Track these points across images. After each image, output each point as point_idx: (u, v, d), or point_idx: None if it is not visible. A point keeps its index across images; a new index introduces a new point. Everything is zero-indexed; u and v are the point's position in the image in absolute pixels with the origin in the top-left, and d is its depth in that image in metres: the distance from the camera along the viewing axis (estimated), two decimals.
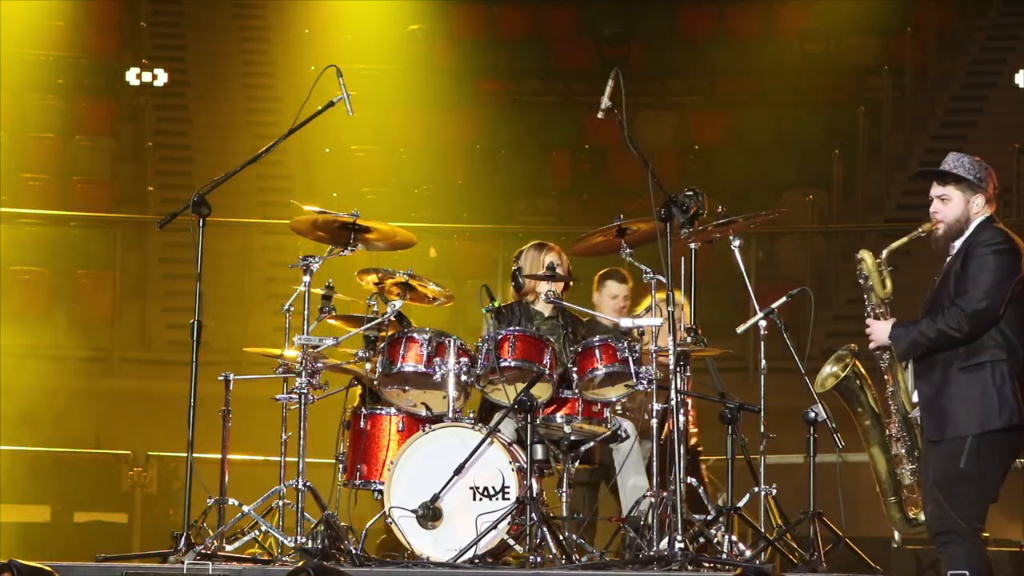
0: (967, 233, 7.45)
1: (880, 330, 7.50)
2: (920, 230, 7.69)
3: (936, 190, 7.53)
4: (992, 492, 7.33)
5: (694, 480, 9.21)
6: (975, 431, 7.21)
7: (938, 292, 7.45)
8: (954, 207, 7.48)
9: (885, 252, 7.74)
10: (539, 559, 8.39)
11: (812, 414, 8.83)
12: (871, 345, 7.61)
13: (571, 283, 9.52)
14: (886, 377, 7.66)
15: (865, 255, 7.73)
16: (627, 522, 8.85)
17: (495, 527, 8.50)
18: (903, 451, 7.67)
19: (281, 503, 8.95)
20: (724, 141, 20.73)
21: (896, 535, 12.18)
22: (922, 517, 7.68)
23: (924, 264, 8.22)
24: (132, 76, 20.79)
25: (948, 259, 7.52)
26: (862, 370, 8.10)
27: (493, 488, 8.66)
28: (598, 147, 20.38)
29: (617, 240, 9.02)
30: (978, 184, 7.44)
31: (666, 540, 8.41)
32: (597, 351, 8.92)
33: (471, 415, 9.00)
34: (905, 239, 7.78)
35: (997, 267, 7.27)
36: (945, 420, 7.31)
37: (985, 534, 7.75)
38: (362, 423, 9.08)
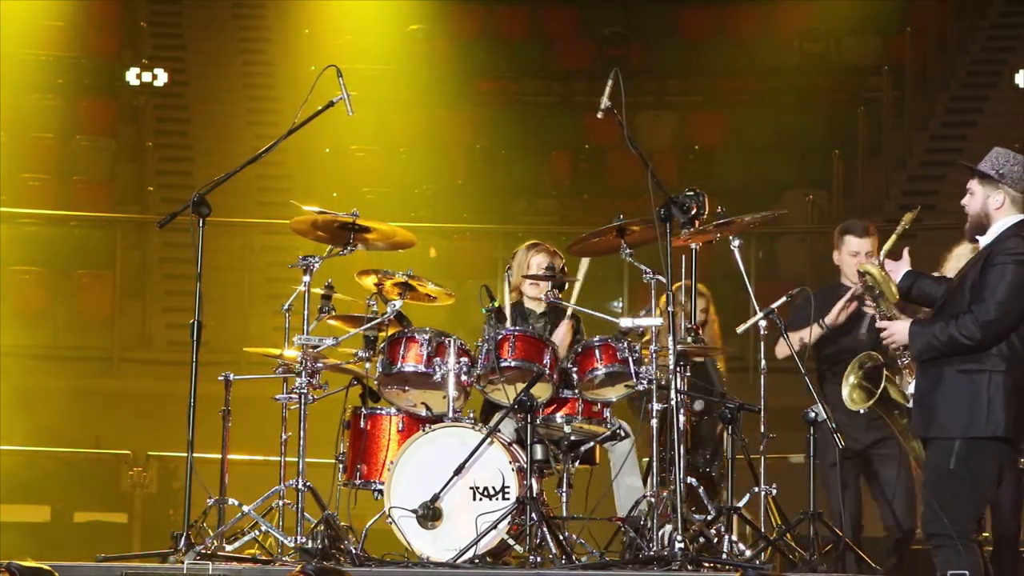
0: (992, 235, 7.39)
1: (899, 329, 7.46)
2: (903, 222, 7.68)
3: (969, 183, 7.51)
4: (986, 494, 7.31)
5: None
6: (959, 435, 7.20)
7: (954, 294, 7.40)
8: (975, 201, 7.42)
9: (883, 255, 7.72)
10: (539, 559, 8.39)
11: (812, 414, 8.82)
12: (892, 346, 7.59)
13: (565, 283, 9.50)
14: (906, 372, 7.66)
15: (870, 268, 7.71)
16: (627, 522, 8.85)
17: (495, 527, 8.50)
18: None
19: (281, 503, 8.95)
20: (724, 141, 20.73)
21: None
22: None
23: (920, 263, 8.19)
24: (132, 76, 20.79)
25: (973, 259, 7.46)
26: (886, 372, 8.07)
27: (493, 488, 8.66)
28: (598, 147, 20.38)
29: (617, 240, 9.03)
30: (998, 180, 7.37)
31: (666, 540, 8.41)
32: (597, 351, 8.92)
33: (471, 415, 9.01)
34: (894, 237, 7.78)
35: (1015, 279, 7.22)
36: (931, 418, 7.31)
37: (985, 534, 7.75)
38: (362, 423, 9.08)
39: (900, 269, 7.66)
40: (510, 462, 8.68)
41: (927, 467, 7.37)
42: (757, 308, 9.07)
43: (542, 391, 8.87)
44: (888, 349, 7.75)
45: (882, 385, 7.91)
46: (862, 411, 8.25)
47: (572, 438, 9.00)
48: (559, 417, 8.95)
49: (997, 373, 7.19)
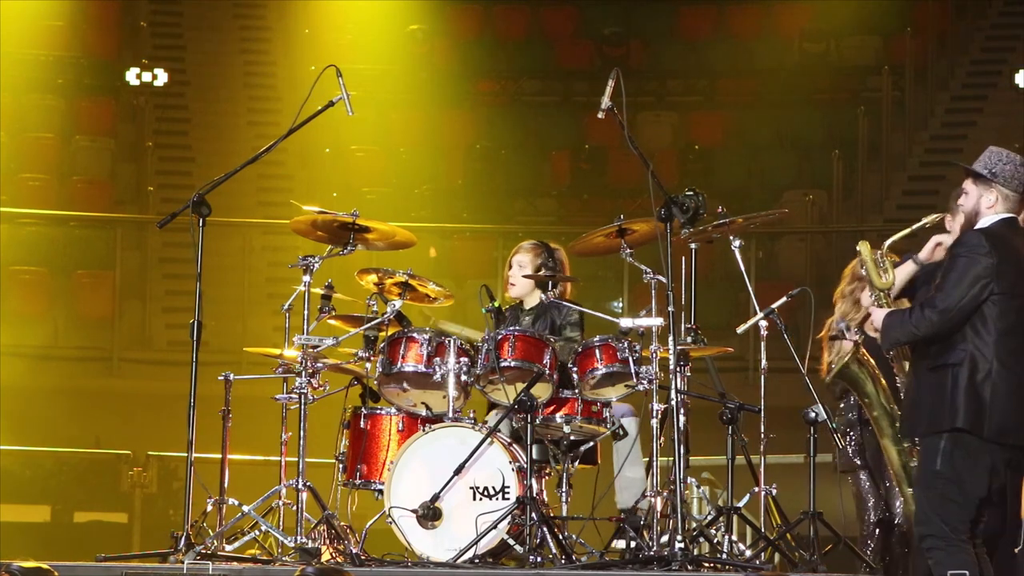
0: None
1: (876, 318, 7.49)
2: (924, 221, 7.64)
3: (964, 183, 7.52)
4: (977, 493, 7.27)
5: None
6: (929, 431, 7.22)
7: (928, 287, 7.44)
8: (969, 200, 7.42)
9: (886, 244, 7.69)
10: (539, 559, 8.39)
11: (812, 414, 8.82)
12: (873, 333, 7.58)
13: (552, 283, 9.49)
14: (895, 366, 7.65)
15: (862, 247, 7.67)
16: (627, 521, 8.85)
17: (495, 527, 8.50)
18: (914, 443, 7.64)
19: (281, 503, 8.95)
20: (724, 141, 20.73)
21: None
22: None
23: None
24: (132, 76, 20.80)
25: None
26: (869, 359, 8.06)
27: (493, 488, 8.66)
28: (598, 147, 20.39)
29: (617, 240, 9.03)
30: (991, 179, 7.38)
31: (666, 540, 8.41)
32: (597, 351, 8.92)
33: (471, 415, 9.01)
34: (907, 230, 7.72)
35: (964, 272, 7.21)
36: (908, 417, 7.39)
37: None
38: (362, 423, 9.07)
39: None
40: (510, 462, 8.68)
41: (917, 467, 7.37)
42: (757, 308, 9.07)
43: (542, 391, 8.87)
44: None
45: (845, 359, 7.88)
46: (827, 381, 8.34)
47: (572, 438, 9.00)
48: (559, 417, 8.95)
49: (958, 366, 7.21)
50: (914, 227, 7.85)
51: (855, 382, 7.99)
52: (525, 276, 9.46)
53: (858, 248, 7.69)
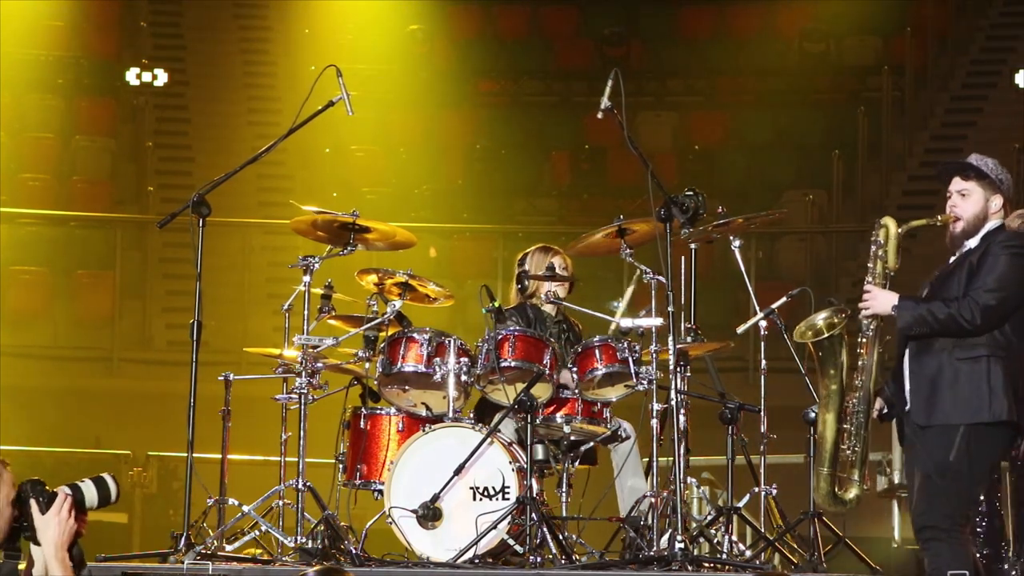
0: (984, 231, 7.38)
1: (882, 298, 7.38)
2: (939, 218, 7.59)
3: (957, 184, 7.42)
4: (979, 491, 7.30)
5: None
6: (964, 421, 7.17)
7: (948, 283, 7.36)
8: (973, 203, 7.39)
9: (904, 227, 7.64)
10: (539, 559, 8.39)
11: (812, 414, 8.82)
12: (865, 312, 7.48)
13: (573, 285, 9.53)
14: (860, 351, 7.56)
15: (889, 222, 7.61)
16: (627, 522, 8.85)
17: (495, 527, 8.50)
18: (853, 428, 7.54)
19: (281, 503, 8.95)
20: (724, 141, 20.74)
21: (896, 535, 12.20)
22: (848, 496, 7.60)
23: (919, 262, 8.14)
24: (132, 76, 20.81)
25: (959, 255, 7.42)
26: (845, 335, 7.98)
27: (493, 488, 8.66)
28: (598, 147, 20.40)
29: (617, 240, 9.03)
30: (999, 185, 7.38)
31: (666, 540, 8.41)
32: (597, 351, 8.92)
33: (471, 415, 9.01)
34: (924, 220, 7.65)
35: (1012, 268, 7.22)
36: (935, 406, 7.25)
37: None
38: (362, 423, 9.07)
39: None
40: (510, 462, 8.68)
41: (923, 458, 7.30)
42: (757, 308, 9.07)
43: (542, 391, 8.87)
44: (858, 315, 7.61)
45: (833, 331, 7.74)
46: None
47: (572, 438, 9.00)
48: (559, 417, 8.95)
49: (997, 358, 7.19)
50: (929, 220, 7.76)
51: (830, 354, 7.85)
52: (535, 276, 9.46)
53: (884, 222, 7.61)
